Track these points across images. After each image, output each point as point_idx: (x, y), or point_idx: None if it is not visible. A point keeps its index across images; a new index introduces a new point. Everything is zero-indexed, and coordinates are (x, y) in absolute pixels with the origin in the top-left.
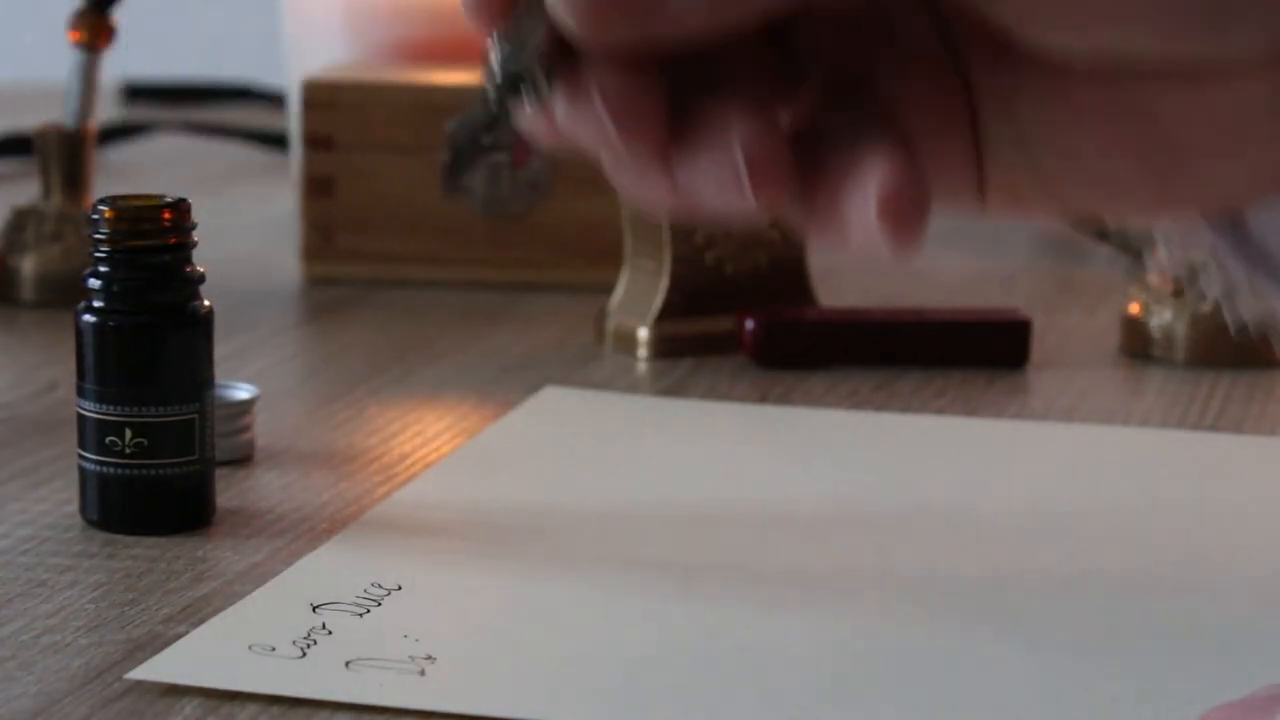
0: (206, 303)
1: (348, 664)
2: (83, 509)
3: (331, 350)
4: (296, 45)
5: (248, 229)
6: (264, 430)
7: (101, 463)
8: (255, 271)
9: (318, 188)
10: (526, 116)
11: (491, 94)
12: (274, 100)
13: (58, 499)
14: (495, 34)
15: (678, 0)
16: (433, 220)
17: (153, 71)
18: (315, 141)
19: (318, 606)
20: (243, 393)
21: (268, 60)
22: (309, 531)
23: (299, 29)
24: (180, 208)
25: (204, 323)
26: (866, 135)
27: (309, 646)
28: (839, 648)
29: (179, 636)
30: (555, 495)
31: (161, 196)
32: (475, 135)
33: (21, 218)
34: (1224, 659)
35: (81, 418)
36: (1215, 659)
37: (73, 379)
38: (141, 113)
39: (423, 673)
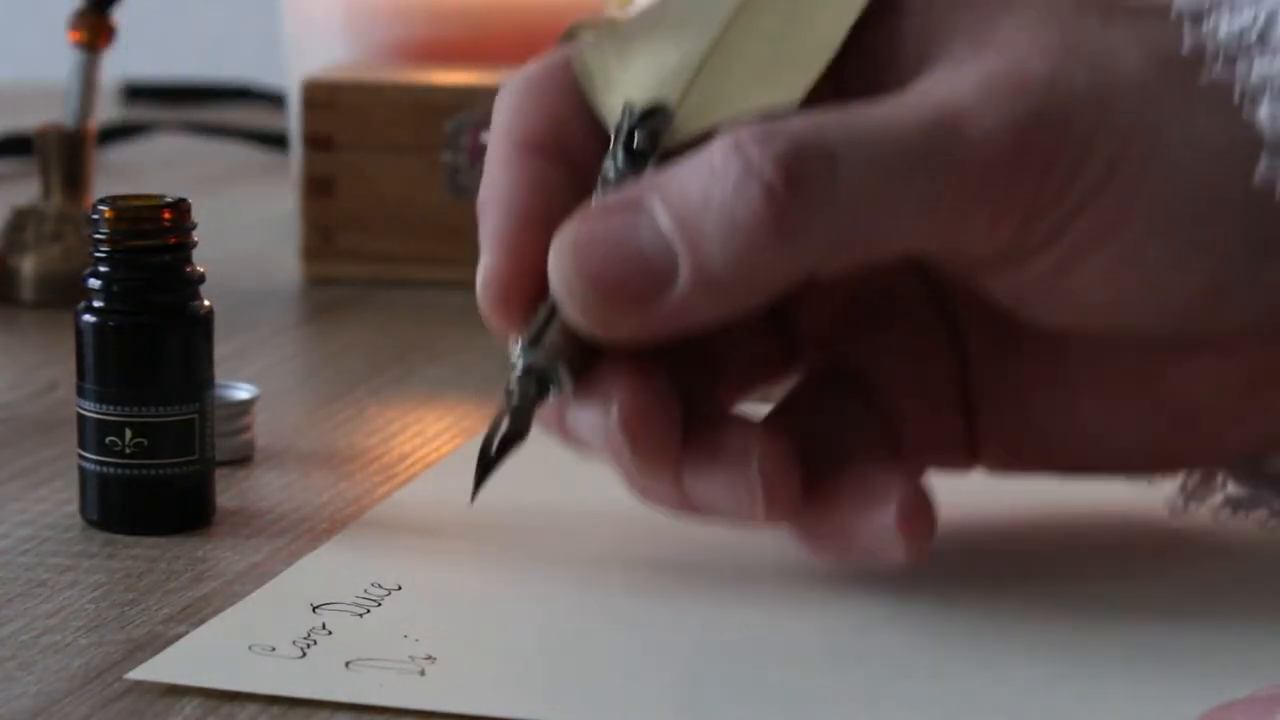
0: (207, 303)
1: (348, 664)
2: (83, 509)
3: (331, 350)
4: (296, 45)
5: (248, 229)
6: (264, 430)
7: (101, 463)
8: (255, 271)
9: (318, 188)
10: (543, 411)
11: (515, 391)
12: (274, 100)
13: (58, 499)
14: (516, 335)
15: (678, 295)
16: (433, 220)
17: (153, 71)
18: (315, 141)
19: (318, 607)
20: (243, 393)
21: (268, 60)
22: (309, 531)
23: (299, 29)
24: (180, 208)
25: (204, 323)
26: (868, 444)
27: (309, 647)
28: (840, 649)
29: (179, 636)
30: (555, 495)
31: (161, 196)
32: (502, 442)
33: (21, 218)
34: (1225, 659)
35: (81, 418)
36: (1216, 659)
37: (73, 379)
38: (141, 113)
39: (423, 673)
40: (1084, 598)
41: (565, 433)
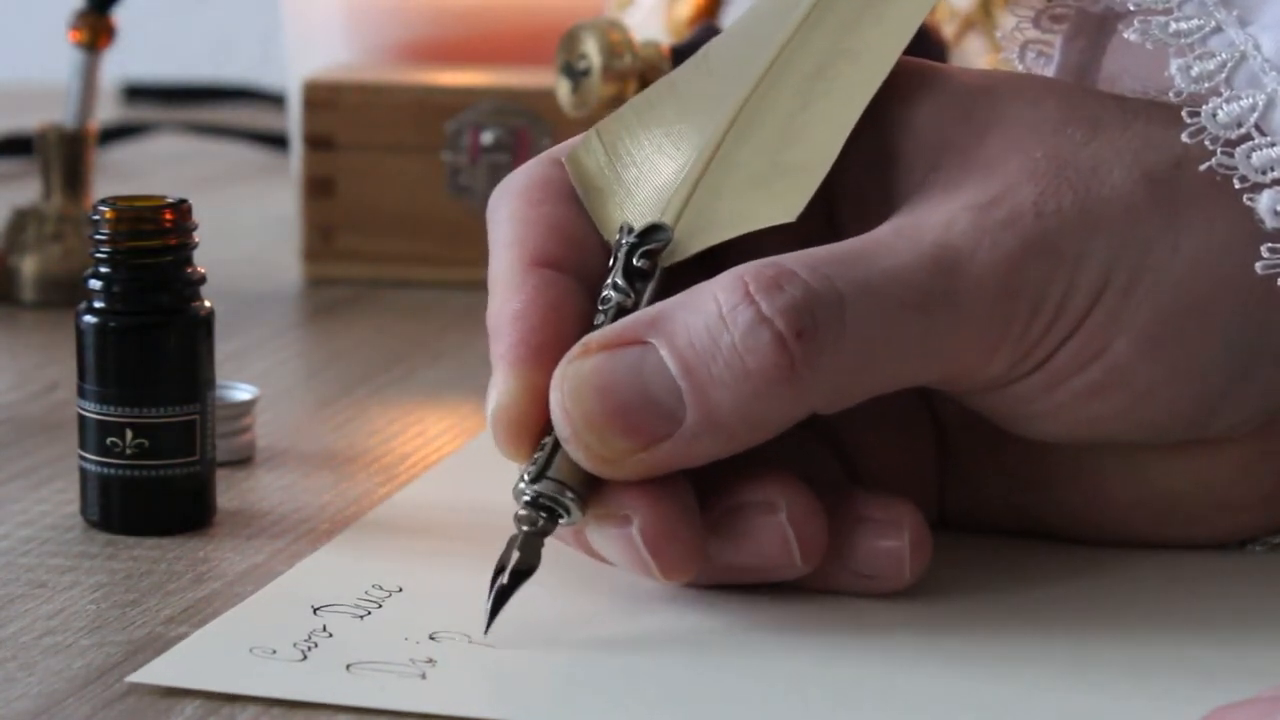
0: (207, 303)
1: (348, 667)
2: (83, 510)
3: (332, 351)
4: (296, 45)
5: (248, 229)
6: (265, 431)
7: (102, 463)
8: (256, 272)
9: (318, 188)
10: (560, 535)
11: (524, 519)
12: (274, 100)
13: (58, 500)
14: (524, 466)
15: (682, 437)
16: (433, 220)
17: (153, 71)
18: (315, 141)
19: (318, 608)
20: (243, 393)
21: (268, 60)
22: (310, 532)
23: (299, 29)
24: (181, 208)
25: (205, 323)
26: (842, 481)
27: (310, 649)
28: (839, 650)
29: (180, 637)
30: None
31: (162, 197)
32: (514, 574)
33: (21, 218)
34: (1228, 660)
35: (82, 418)
36: (1219, 660)
37: (73, 379)
38: (141, 113)
39: (424, 675)
40: (1086, 598)
41: (587, 550)
